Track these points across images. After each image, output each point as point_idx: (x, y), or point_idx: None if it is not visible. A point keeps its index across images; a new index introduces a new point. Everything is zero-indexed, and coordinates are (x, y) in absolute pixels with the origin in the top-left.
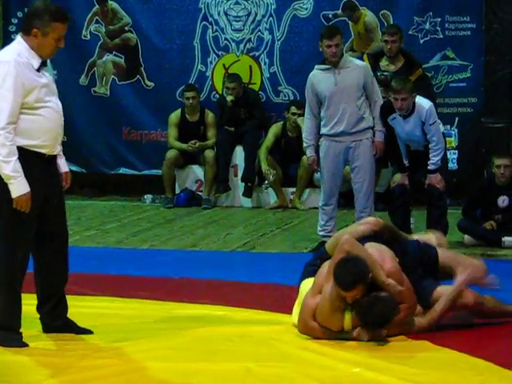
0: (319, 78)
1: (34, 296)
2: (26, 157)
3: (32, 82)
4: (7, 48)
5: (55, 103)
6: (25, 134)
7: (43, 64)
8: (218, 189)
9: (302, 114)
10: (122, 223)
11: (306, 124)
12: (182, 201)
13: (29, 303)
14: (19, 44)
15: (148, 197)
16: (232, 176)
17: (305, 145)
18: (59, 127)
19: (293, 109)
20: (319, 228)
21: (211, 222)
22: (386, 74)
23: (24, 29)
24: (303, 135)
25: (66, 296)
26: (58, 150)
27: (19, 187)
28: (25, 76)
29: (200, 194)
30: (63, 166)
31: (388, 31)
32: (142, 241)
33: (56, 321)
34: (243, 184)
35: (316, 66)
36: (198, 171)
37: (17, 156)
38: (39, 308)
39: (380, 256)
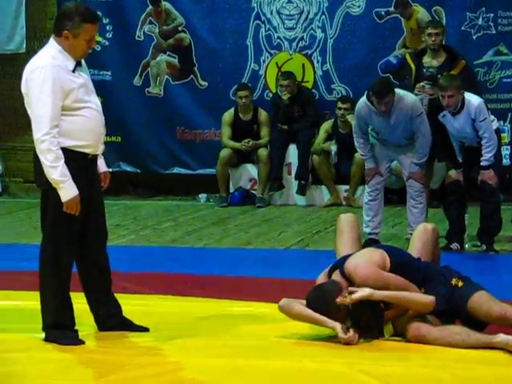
0: (370, 114)
1: None
2: (71, 158)
3: (70, 84)
4: (42, 52)
5: (94, 102)
6: (68, 135)
7: (78, 64)
8: (272, 187)
9: (348, 109)
10: (176, 222)
11: (357, 143)
12: (236, 199)
13: (83, 302)
14: (52, 47)
15: (202, 196)
16: (286, 174)
17: (364, 159)
18: (101, 126)
19: (339, 104)
20: (364, 225)
21: (265, 221)
22: (431, 70)
23: (55, 31)
24: (359, 153)
25: (122, 294)
26: (100, 149)
27: (68, 191)
28: (62, 78)
29: (254, 192)
30: (102, 166)
31: (431, 25)
32: (197, 239)
33: (110, 320)
34: (297, 182)
35: (366, 101)
36: (251, 170)
37: (63, 160)
38: (91, 309)
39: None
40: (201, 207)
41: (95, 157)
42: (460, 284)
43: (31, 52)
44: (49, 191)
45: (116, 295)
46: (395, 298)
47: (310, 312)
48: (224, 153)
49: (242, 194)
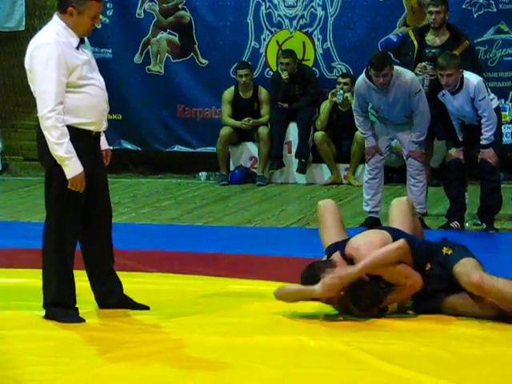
0: (369, 91)
1: None
2: (75, 135)
3: (74, 61)
4: (46, 28)
5: (98, 79)
6: (72, 112)
7: (81, 41)
8: (272, 165)
9: (348, 84)
10: (176, 200)
11: (357, 121)
12: (236, 178)
13: (84, 280)
14: (57, 23)
15: (203, 174)
16: (286, 152)
17: (364, 137)
18: (104, 103)
19: (339, 79)
20: (364, 203)
21: (265, 199)
22: (433, 51)
23: (60, 7)
24: (359, 131)
25: (122, 272)
26: (104, 126)
27: (73, 168)
28: (66, 55)
29: (254, 170)
30: (104, 143)
31: (432, 2)
32: (197, 218)
33: (110, 298)
34: (297, 160)
35: (364, 77)
36: (252, 148)
37: (68, 137)
38: (92, 287)
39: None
40: (201, 185)
41: (99, 134)
42: (450, 252)
43: (31, 30)
44: (53, 169)
45: (116, 273)
46: (370, 265)
47: (297, 287)
48: (224, 131)
49: (242, 172)
